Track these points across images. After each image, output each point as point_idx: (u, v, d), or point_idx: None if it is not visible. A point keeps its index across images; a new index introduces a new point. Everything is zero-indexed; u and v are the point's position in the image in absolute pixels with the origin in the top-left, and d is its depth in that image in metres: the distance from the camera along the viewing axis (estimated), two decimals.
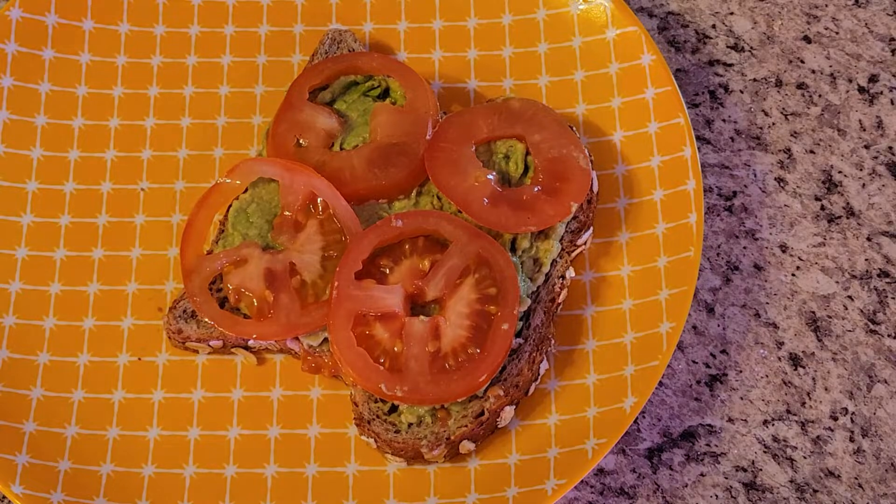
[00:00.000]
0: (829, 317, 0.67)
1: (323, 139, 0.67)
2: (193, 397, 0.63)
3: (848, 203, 0.71)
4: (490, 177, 0.65)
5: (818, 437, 0.64)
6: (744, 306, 0.68)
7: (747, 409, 0.65)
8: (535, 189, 0.65)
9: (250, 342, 0.63)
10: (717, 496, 0.62)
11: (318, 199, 0.64)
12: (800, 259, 0.69)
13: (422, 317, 0.60)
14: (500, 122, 0.67)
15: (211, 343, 0.64)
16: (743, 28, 0.77)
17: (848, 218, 0.70)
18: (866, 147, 0.73)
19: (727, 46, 0.77)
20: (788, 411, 0.65)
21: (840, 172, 0.72)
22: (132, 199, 0.69)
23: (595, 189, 0.68)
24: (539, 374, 0.63)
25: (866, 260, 0.69)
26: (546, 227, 0.64)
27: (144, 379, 0.64)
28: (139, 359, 0.65)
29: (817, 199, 0.71)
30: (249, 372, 0.64)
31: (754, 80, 0.75)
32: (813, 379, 0.66)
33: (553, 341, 0.64)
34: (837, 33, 0.77)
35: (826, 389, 0.65)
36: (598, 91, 0.71)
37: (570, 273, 0.66)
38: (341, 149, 0.67)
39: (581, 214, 0.66)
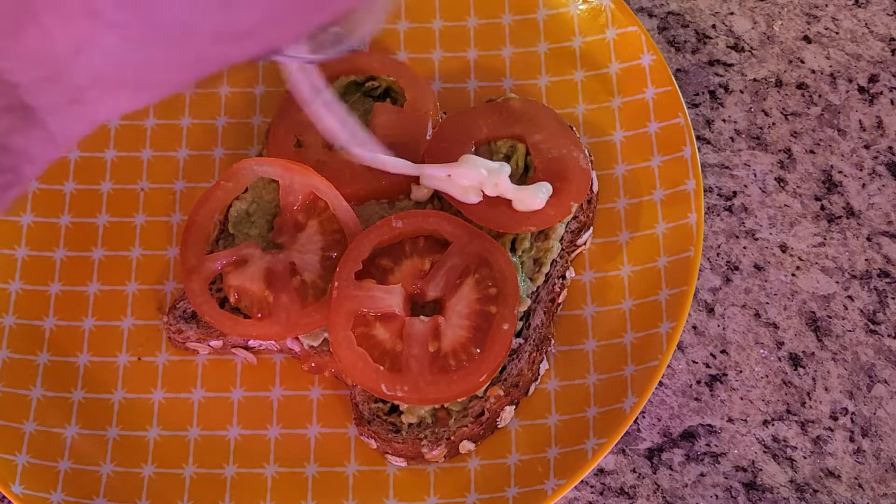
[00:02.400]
0: (829, 317, 0.67)
1: (323, 139, 0.67)
2: (193, 397, 0.63)
3: (848, 203, 0.71)
4: None
5: (818, 437, 0.64)
6: (744, 306, 0.68)
7: (747, 409, 0.65)
8: None
9: (250, 342, 0.63)
10: (717, 496, 0.62)
11: (319, 200, 0.64)
12: (800, 259, 0.69)
13: (422, 317, 0.60)
14: (500, 122, 0.67)
15: (211, 343, 0.64)
16: (743, 28, 0.77)
17: (848, 218, 0.70)
18: (866, 147, 0.73)
19: (727, 46, 0.77)
20: (788, 411, 0.65)
21: (840, 172, 0.72)
22: (132, 199, 0.69)
23: (595, 189, 0.68)
24: (539, 374, 0.63)
25: (866, 260, 0.69)
26: (546, 227, 0.64)
27: (144, 379, 0.64)
28: (139, 359, 0.65)
29: (817, 199, 0.71)
30: (249, 372, 0.64)
31: (754, 80, 0.75)
32: (813, 379, 0.66)
33: (553, 341, 0.64)
34: (837, 33, 0.77)
35: (826, 389, 0.65)
36: (598, 91, 0.71)
37: (570, 273, 0.66)
38: (341, 149, 0.67)
39: (581, 214, 0.66)
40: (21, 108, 0.34)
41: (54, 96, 0.34)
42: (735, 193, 0.71)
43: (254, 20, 0.35)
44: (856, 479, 0.63)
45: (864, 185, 0.72)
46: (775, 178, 0.72)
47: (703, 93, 0.75)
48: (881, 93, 0.75)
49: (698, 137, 0.73)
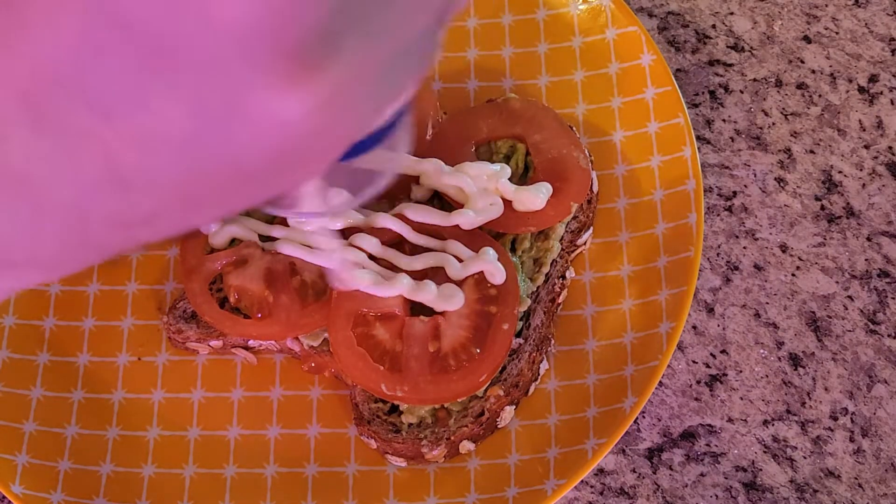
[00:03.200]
0: (829, 317, 0.67)
1: None
2: (193, 397, 0.63)
3: (848, 203, 0.71)
4: None
5: (818, 437, 0.64)
6: (744, 306, 0.68)
7: (747, 409, 0.65)
8: None
9: (250, 342, 0.63)
10: (717, 496, 0.62)
11: None
12: (800, 259, 0.69)
13: (422, 317, 0.60)
14: (500, 122, 0.67)
15: (211, 343, 0.64)
16: (743, 28, 0.77)
17: (848, 218, 0.70)
18: (866, 147, 0.73)
19: (727, 46, 0.77)
20: (788, 411, 0.65)
21: (840, 172, 0.72)
22: None
23: (595, 189, 0.68)
24: (539, 374, 0.63)
25: (866, 260, 0.69)
26: (546, 227, 0.64)
27: (144, 379, 0.64)
28: (139, 359, 0.65)
29: (817, 199, 0.71)
30: (249, 372, 0.64)
31: (754, 80, 0.75)
32: (813, 379, 0.66)
33: (553, 341, 0.64)
34: (837, 33, 0.77)
35: (826, 389, 0.65)
36: (598, 91, 0.71)
37: (570, 273, 0.66)
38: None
39: (581, 214, 0.66)
40: None
41: None
42: (735, 193, 0.71)
43: (156, 205, 0.30)
44: (856, 479, 0.63)
45: (864, 185, 0.72)
46: (775, 178, 0.72)
47: (703, 93, 0.75)
48: (881, 93, 0.75)
49: (698, 137, 0.73)
